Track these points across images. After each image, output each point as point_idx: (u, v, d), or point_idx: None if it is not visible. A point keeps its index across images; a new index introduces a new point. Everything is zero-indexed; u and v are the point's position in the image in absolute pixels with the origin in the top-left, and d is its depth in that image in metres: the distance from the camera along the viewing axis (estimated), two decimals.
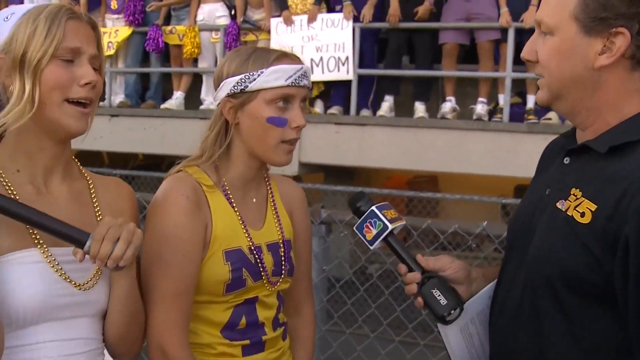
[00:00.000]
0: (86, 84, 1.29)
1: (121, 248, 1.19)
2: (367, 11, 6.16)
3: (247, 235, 1.50)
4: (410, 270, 1.37)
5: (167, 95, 7.12)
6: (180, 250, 1.41)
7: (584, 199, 1.16)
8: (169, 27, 6.87)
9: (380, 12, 6.23)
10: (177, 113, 6.79)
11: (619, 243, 1.08)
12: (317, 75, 6.28)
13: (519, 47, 5.70)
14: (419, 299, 1.34)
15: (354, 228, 1.43)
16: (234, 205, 1.51)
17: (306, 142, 5.98)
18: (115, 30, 7.12)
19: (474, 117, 5.89)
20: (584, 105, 1.22)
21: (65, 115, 1.28)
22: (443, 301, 1.31)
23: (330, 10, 6.46)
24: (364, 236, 1.40)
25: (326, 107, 6.44)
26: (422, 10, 5.95)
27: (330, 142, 6.02)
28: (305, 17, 6.34)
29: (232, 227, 1.49)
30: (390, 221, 1.37)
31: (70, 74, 1.28)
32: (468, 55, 6.26)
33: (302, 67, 1.49)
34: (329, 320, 3.10)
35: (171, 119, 6.77)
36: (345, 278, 4.13)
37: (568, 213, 1.17)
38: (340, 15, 6.26)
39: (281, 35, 6.44)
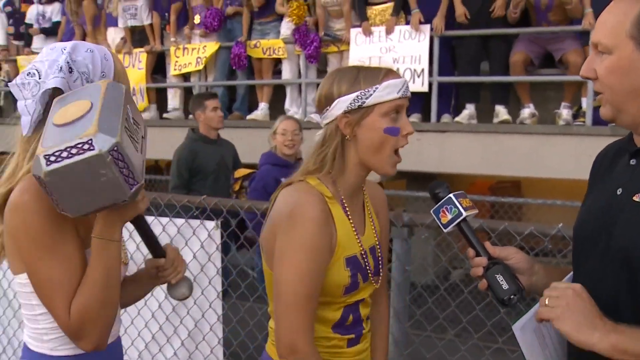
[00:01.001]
0: None
1: (177, 276, 1.67)
2: (439, 21, 6.23)
3: (359, 241, 1.67)
4: (478, 255, 1.50)
5: (252, 106, 7.42)
6: (317, 259, 1.56)
7: None
8: (254, 42, 7.17)
9: (452, 19, 6.28)
10: (263, 123, 7.06)
11: None
12: None
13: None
14: (483, 281, 1.47)
15: (431, 211, 1.56)
16: (349, 214, 1.66)
17: None
18: (203, 46, 7.50)
19: (561, 122, 5.83)
20: (635, 116, 1.32)
21: None
22: (505, 286, 1.43)
23: (408, 20, 6.57)
24: (440, 220, 1.53)
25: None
26: (497, 5, 5.98)
27: (412, 149, 6.09)
28: (383, 29, 6.49)
29: (349, 235, 1.65)
30: (465, 209, 1.50)
31: None
32: (546, 59, 6.22)
33: (405, 80, 1.65)
34: (410, 320, 3.21)
35: (257, 129, 7.05)
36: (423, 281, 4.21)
37: None
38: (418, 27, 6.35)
39: (360, 45, 6.61)
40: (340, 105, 1.62)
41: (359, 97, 1.60)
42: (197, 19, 7.66)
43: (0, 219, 1.49)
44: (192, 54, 7.55)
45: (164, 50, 7.99)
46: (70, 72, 1.52)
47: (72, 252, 1.44)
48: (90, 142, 1.28)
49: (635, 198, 1.31)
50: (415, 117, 6.44)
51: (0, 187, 1.51)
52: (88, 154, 1.27)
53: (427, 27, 6.28)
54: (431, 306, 2.62)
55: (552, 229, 2.07)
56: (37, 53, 7.49)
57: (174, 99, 7.94)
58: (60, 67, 1.50)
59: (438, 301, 3.41)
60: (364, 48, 6.56)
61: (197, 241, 2.81)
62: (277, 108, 7.27)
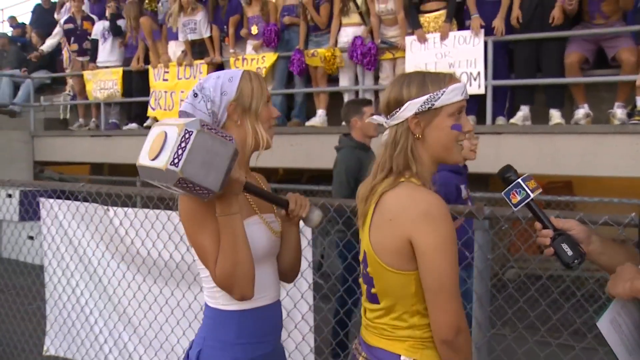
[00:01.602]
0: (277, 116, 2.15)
1: (305, 209, 2.04)
2: (499, 22, 6.42)
3: None
4: (545, 227, 1.79)
5: (310, 114, 7.71)
6: (457, 251, 1.78)
7: None
8: (311, 51, 7.46)
9: (507, 23, 6.47)
10: (321, 130, 7.34)
11: None
12: None
13: None
14: (550, 249, 1.77)
15: (502, 193, 1.84)
16: None
17: None
18: (262, 57, 7.83)
19: (617, 122, 5.96)
20: None
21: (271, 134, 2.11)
22: (569, 252, 1.73)
23: (461, 26, 6.78)
24: (510, 200, 1.82)
25: None
26: (556, 13, 6.13)
27: None
28: (437, 35, 6.70)
29: None
30: (532, 190, 1.78)
31: (270, 111, 2.10)
32: (599, 59, 6.35)
33: (465, 83, 1.95)
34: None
35: (315, 135, 7.34)
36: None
37: None
38: (471, 32, 6.54)
39: (415, 52, 6.84)
40: (411, 107, 1.83)
41: (429, 100, 1.81)
42: (254, 30, 7.99)
43: None
44: (251, 64, 7.88)
45: (223, 61, 8.34)
46: (195, 96, 2.01)
47: (216, 228, 1.90)
48: (187, 131, 1.72)
49: None
50: (470, 119, 6.62)
51: None
52: (192, 137, 1.71)
53: (481, 31, 6.48)
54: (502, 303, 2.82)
55: (625, 217, 2.27)
56: (103, 67, 7.99)
57: None
58: (191, 94, 2.02)
59: (505, 299, 3.61)
60: (419, 55, 6.79)
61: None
62: (334, 114, 7.54)
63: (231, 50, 8.21)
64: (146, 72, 9.10)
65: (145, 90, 9.06)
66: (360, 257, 1.94)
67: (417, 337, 1.81)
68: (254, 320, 2.00)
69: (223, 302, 2.01)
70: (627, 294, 1.59)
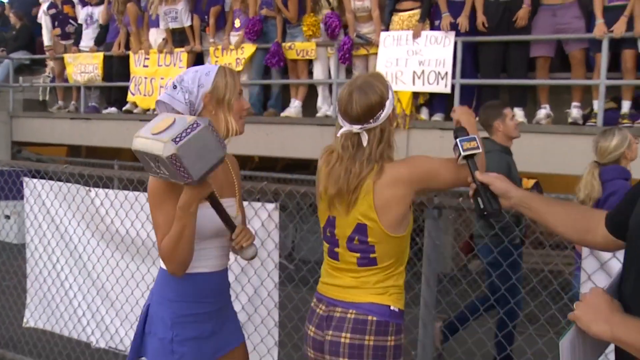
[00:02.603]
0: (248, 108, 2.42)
1: (247, 242, 2.32)
2: (463, 20, 6.74)
3: None
4: (473, 182, 2.05)
5: (286, 104, 7.96)
6: None
7: None
8: (288, 44, 7.71)
9: (475, 23, 6.79)
10: (296, 120, 7.60)
11: None
12: (418, 87, 6.93)
13: (612, 56, 6.14)
14: (471, 200, 2.07)
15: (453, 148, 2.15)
16: None
17: (413, 145, 6.66)
18: (241, 48, 8.05)
19: (569, 120, 6.33)
20: None
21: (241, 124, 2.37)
22: (481, 205, 2.01)
23: (431, 24, 7.06)
24: (454, 156, 2.15)
25: (430, 114, 7.07)
26: (521, 13, 6.46)
27: (435, 146, 6.63)
28: (410, 33, 6.99)
29: None
30: (465, 150, 2.08)
31: (241, 104, 2.37)
32: (563, 62, 6.69)
33: None
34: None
35: (290, 125, 7.60)
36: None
37: None
38: (442, 33, 6.84)
39: (388, 48, 7.12)
40: (389, 105, 2.26)
41: (394, 96, 2.31)
42: (237, 23, 8.21)
43: None
44: (231, 55, 8.10)
45: (203, 50, 8.54)
46: (174, 88, 2.28)
47: (170, 211, 2.20)
48: (196, 123, 2.03)
49: None
50: (438, 116, 6.96)
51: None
52: (199, 128, 2.01)
53: (452, 33, 6.78)
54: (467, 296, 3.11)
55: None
56: (86, 51, 8.19)
57: None
58: (171, 86, 2.28)
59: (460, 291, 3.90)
60: (392, 50, 7.07)
61: (258, 220, 3.35)
62: (308, 106, 7.80)
63: (211, 40, 8.42)
64: (127, 57, 9.27)
65: (125, 75, 9.24)
66: (347, 232, 2.30)
67: (398, 286, 2.32)
68: (192, 283, 2.33)
69: None
70: (608, 339, 1.52)
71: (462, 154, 2.08)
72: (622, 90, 6.29)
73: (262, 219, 3.37)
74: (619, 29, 5.97)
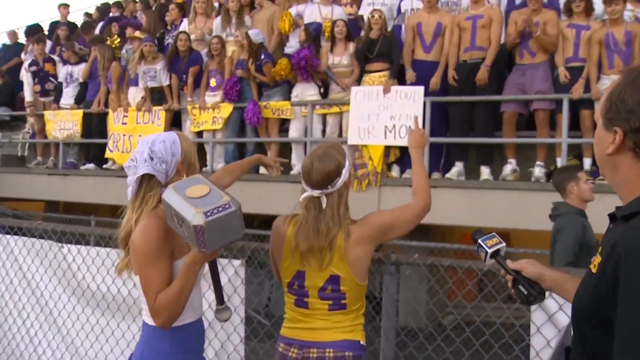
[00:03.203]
0: None
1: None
2: (436, 80, 7.04)
3: None
4: (508, 274, 2.06)
5: None
6: None
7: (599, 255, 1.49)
8: (264, 103, 7.93)
9: (444, 85, 7.09)
10: (270, 177, 7.75)
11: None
12: (390, 141, 7.14)
13: (573, 116, 6.42)
14: (513, 291, 2.04)
15: (476, 253, 2.15)
16: None
17: (384, 202, 6.83)
18: (218, 107, 8.26)
19: (533, 179, 6.56)
20: (613, 182, 1.56)
21: None
22: (525, 292, 2.01)
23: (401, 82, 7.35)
24: (481, 258, 2.13)
25: (401, 172, 7.26)
26: (480, 74, 6.75)
27: (406, 202, 6.77)
28: (381, 88, 7.24)
29: None
30: (490, 247, 2.09)
31: None
32: (528, 122, 6.96)
33: None
34: None
35: (265, 182, 7.74)
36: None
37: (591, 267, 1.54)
38: (412, 88, 7.09)
39: (360, 102, 7.35)
40: (345, 172, 2.56)
41: (349, 164, 2.60)
42: (212, 82, 8.45)
43: (122, 248, 2.39)
44: (208, 113, 8.31)
45: (181, 109, 8.74)
46: (152, 159, 2.42)
47: (168, 265, 2.33)
48: (229, 203, 2.16)
49: (593, 261, 1.51)
50: (408, 174, 7.15)
51: (123, 229, 2.44)
52: (229, 210, 2.15)
53: (421, 88, 7.04)
54: (424, 350, 3.20)
55: None
56: (66, 108, 8.35)
57: None
58: (146, 159, 2.40)
59: (433, 348, 3.98)
60: (363, 105, 7.30)
61: (225, 276, 3.45)
62: (283, 164, 7.96)
63: (189, 99, 8.63)
64: (106, 114, 9.43)
65: (104, 132, 9.39)
66: (319, 284, 2.54)
67: (362, 322, 2.62)
68: (183, 334, 2.43)
69: None
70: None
71: (489, 252, 2.09)
72: (582, 148, 6.55)
73: (229, 274, 3.47)
74: (577, 90, 6.26)
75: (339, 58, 7.62)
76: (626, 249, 1.38)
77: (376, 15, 7.43)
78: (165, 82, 8.76)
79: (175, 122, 8.94)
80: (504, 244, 2.12)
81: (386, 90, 7.21)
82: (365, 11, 8.11)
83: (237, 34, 8.36)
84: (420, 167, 2.87)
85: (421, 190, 2.77)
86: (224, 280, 3.46)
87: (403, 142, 7.08)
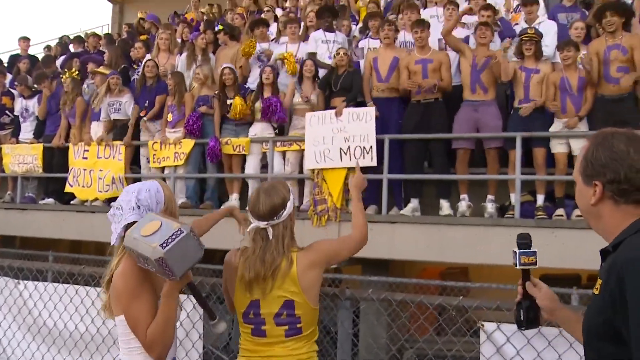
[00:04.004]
0: None
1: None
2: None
3: None
4: (522, 292, 2.15)
5: (222, 196, 8.15)
6: None
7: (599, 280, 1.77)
8: (225, 139, 8.01)
9: (401, 117, 7.28)
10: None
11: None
12: (346, 162, 7.21)
13: (525, 153, 6.63)
14: (515, 307, 2.16)
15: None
16: None
17: None
18: (179, 143, 8.29)
19: (486, 215, 6.74)
20: (598, 229, 1.86)
21: None
22: (521, 318, 2.13)
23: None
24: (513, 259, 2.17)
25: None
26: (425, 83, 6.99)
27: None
28: (333, 112, 7.36)
29: None
30: (521, 264, 2.14)
31: None
32: (480, 157, 7.16)
33: None
34: None
35: (226, 218, 7.74)
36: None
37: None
38: (364, 109, 7.24)
39: (314, 127, 7.45)
40: (290, 204, 2.76)
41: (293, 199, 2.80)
42: (169, 117, 8.50)
43: (106, 289, 2.58)
44: (169, 149, 8.32)
45: (141, 144, 8.74)
46: (139, 208, 2.59)
47: (151, 300, 2.46)
48: (180, 229, 2.35)
49: (595, 286, 1.76)
50: (371, 209, 7.27)
51: (107, 273, 2.60)
52: (182, 235, 2.33)
53: (372, 108, 7.21)
54: None
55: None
56: (26, 142, 8.24)
57: None
58: (133, 207, 2.57)
59: None
60: (317, 129, 7.41)
61: (184, 312, 3.48)
62: (244, 199, 8.03)
63: (146, 120, 8.63)
64: (66, 149, 9.37)
65: (65, 166, 9.31)
66: (274, 310, 2.68)
67: (316, 349, 2.77)
68: None
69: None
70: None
71: (518, 267, 2.15)
72: (536, 185, 6.76)
73: (188, 310, 3.50)
74: (527, 108, 6.58)
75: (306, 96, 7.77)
76: (626, 259, 1.65)
77: (341, 53, 7.64)
78: (130, 113, 8.77)
79: (135, 156, 8.93)
80: (535, 266, 2.16)
81: (338, 113, 7.33)
82: (318, 49, 8.30)
83: (198, 71, 8.46)
84: (358, 204, 3.11)
85: (360, 226, 3.01)
86: (182, 316, 3.50)
87: (360, 163, 7.15)
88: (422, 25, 7.24)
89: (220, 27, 9.03)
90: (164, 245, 2.29)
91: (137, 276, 2.45)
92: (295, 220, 2.83)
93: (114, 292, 2.51)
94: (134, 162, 9.01)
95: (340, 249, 2.91)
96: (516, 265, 2.15)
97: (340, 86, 7.55)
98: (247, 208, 2.79)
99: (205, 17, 10.95)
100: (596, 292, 1.74)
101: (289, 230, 2.76)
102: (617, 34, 6.57)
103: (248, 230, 2.75)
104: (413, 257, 7.14)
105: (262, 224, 2.70)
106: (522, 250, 2.16)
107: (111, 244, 2.61)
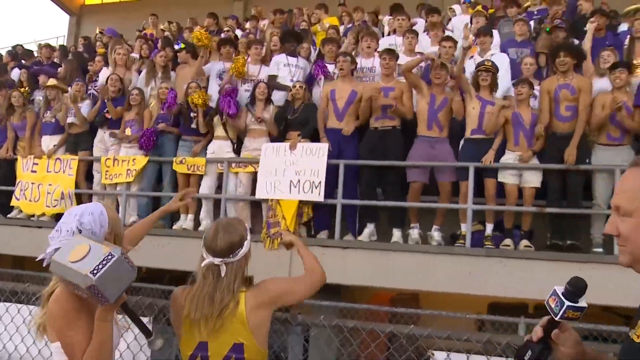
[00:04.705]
0: None
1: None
2: (350, 126, 7.35)
3: None
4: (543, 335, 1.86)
5: (174, 216, 8.05)
6: None
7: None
8: (180, 158, 7.94)
9: (357, 146, 7.35)
10: (184, 233, 7.70)
11: None
12: (294, 195, 7.25)
13: (477, 183, 6.75)
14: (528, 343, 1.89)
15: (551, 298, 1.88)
16: None
17: (296, 261, 6.87)
18: (132, 159, 8.18)
19: (434, 242, 6.83)
20: None
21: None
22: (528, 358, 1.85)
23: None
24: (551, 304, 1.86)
25: (315, 232, 7.37)
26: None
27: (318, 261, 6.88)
28: (288, 144, 7.41)
29: None
30: (561, 316, 1.82)
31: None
32: (432, 189, 7.27)
33: None
34: None
35: (180, 238, 7.66)
36: None
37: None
38: (317, 145, 7.29)
39: (268, 158, 7.49)
40: (247, 244, 2.70)
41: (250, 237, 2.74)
42: (128, 131, 8.39)
43: (43, 307, 2.52)
44: (122, 165, 8.20)
45: (94, 159, 8.59)
46: (80, 232, 2.51)
47: (86, 326, 2.38)
48: (110, 253, 2.29)
49: (635, 331, 1.67)
50: (323, 234, 7.29)
51: (46, 294, 2.52)
52: (113, 259, 2.28)
53: (325, 145, 7.26)
54: None
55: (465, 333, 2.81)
56: None
57: None
58: (72, 231, 2.49)
59: None
60: (271, 160, 7.45)
61: (131, 334, 3.41)
62: (196, 218, 7.95)
63: (109, 136, 8.49)
64: (12, 161, 9.13)
65: (11, 179, 9.06)
66: (223, 352, 2.59)
67: None
68: None
69: None
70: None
71: (556, 319, 1.84)
72: (486, 214, 6.89)
73: (135, 332, 3.43)
74: (488, 159, 6.71)
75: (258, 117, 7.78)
76: None
77: (297, 86, 7.68)
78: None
79: (88, 171, 8.75)
80: (573, 319, 1.86)
81: (292, 147, 7.38)
82: (280, 72, 8.33)
83: (162, 87, 8.41)
84: (304, 250, 3.12)
85: (313, 270, 2.95)
86: (129, 337, 3.43)
87: (306, 197, 7.20)
88: (392, 54, 7.34)
89: (183, 45, 8.96)
90: (95, 272, 2.24)
91: (72, 300, 2.38)
92: (249, 261, 2.75)
93: (49, 318, 2.44)
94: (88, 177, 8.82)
95: (292, 289, 2.80)
96: (555, 315, 1.84)
97: (297, 120, 7.58)
98: (201, 244, 2.71)
99: (165, 34, 10.87)
100: (636, 339, 1.62)
101: (242, 270, 2.68)
102: (569, 74, 6.80)
103: (202, 264, 2.66)
104: (364, 283, 7.16)
105: (217, 261, 2.62)
106: (570, 304, 1.82)
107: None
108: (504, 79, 7.40)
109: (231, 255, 2.63)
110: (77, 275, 2.25)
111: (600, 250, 6.45)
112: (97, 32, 12.90)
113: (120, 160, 8.25)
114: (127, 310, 2.51)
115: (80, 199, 8.62)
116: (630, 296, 5.94)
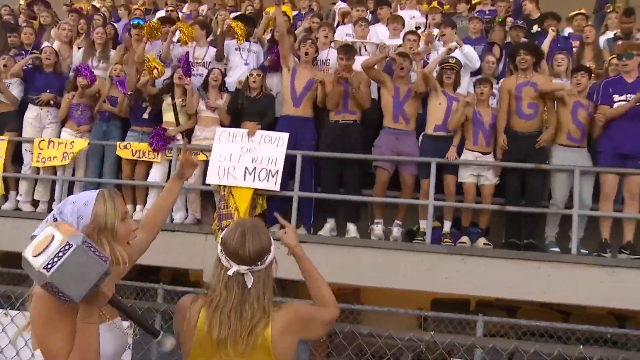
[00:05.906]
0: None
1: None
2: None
3: None
4: None
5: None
6: None
7: None
8: (124, 143, 7.45)
9: (315, 137, 7.16)
10: (180, 227, 7.20)
11: None
12: (248, 183, 6.96)
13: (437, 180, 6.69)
14: None
15: None
16: None
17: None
18: (70, 142, 7.59)
19: (391, 238, 6.74)
20: None
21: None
22: None
23: None
24: None
25: (269, 224, 7.08)
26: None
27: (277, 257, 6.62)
28: (246, 131, 7.09)
29: None
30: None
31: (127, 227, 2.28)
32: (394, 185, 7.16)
33: None
34: None
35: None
36: None
37: None
38: (278, 134, 7.02)
39: (223, 143, 7.13)
40: (272, 254, 2.30)
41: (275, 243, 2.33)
42: (77, 113, 7.81)
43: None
44: (58, 148, 7.59)
45: (25, 140, 7.92)
46: (55, 221, 2.15)
47: (69, 331, 2.05)
48: (68, 243, 1.91)
49: None
50: (275, 228, 7.00)
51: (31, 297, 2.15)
52: (70, 250, 1.90)
53: (286, 134, 7.00)
54: None
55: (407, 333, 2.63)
56: None
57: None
58: (50, 220, 2.15)
59: None
60: (226, 146, 7.10)
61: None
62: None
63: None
64: None
65: None
66: None
67: None
68: None
69: None
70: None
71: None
72: (444, 211, 6.83)
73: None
74: (452, 155, 6.68)
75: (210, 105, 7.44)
76: None
77: (254, 74, 7.35)
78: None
79: (18, 153, 8.05)
80: None
81: (251, 134, 7.08)
82: (231, 55, 8.02)
83: (115, 68, 7.91)
84: (311, 268, 2.62)
85: (328, 302, 2.54)
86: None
87: (262, 185, 6.93)
88: (350, 52, 7.12)
89: (138, 23, 8.35)
90: (49, 266, 1.88)
91: (53, 302, 2.01)
92: (276, 269, 2.36)
93: (31, 323, 2.12)
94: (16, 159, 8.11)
95: (317, 319, 2.43)
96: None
97: (254, 110, 7.26)
98: (220, 251, 2.29)
99: (102, 11, 10.16)
100: None
101: (270, 280, 2.29)
102: (528, 71, 6.85)
103: (230, 272, 2.25)
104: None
105: (243, 269, 2.24)
106: None
107: None
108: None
109: (260, 262, 2.26)
110: (33, 272, 1.91)
111: (557, 249, 6.53)
112: (22, 1, 11.92)
113: (56, 143, 7.64)
114: (120, 308, 2.15)
115: (7, 184, 7.94)
116: (582, 293, 6.07)
